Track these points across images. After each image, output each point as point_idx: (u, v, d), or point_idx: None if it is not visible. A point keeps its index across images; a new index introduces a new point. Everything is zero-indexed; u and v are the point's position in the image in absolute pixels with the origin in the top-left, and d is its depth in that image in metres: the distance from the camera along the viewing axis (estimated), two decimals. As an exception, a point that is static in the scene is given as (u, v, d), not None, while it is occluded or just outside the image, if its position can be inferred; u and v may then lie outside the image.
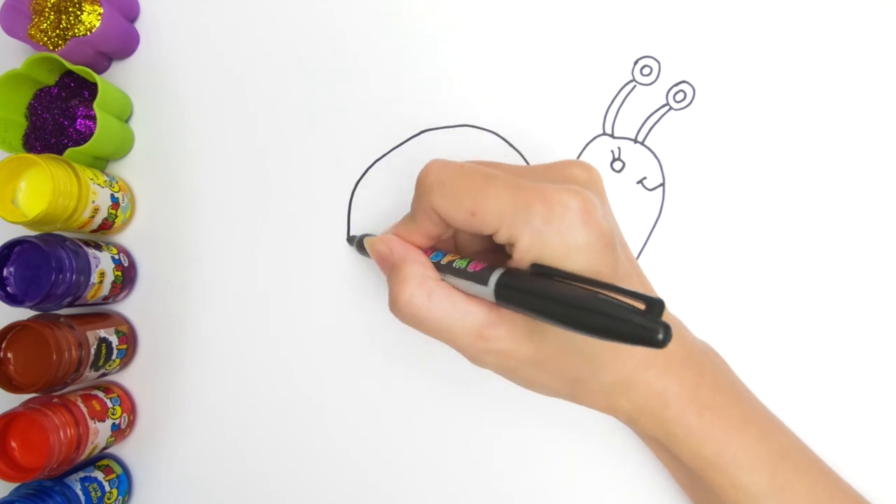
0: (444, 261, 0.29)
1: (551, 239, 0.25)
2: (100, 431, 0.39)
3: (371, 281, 0.41)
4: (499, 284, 0.26)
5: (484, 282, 0.26)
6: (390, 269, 0.30)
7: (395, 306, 0.28)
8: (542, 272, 0.25)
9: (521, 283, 0.25)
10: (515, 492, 0.39)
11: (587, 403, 0.30)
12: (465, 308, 0.27)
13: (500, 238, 0.26)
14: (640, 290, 0.26)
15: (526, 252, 0.25)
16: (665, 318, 0.28)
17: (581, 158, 0.40)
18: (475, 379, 0.39)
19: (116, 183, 0.42)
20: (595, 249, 0.25)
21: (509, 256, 0.27)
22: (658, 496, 0.37)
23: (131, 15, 0.45)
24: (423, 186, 0.28)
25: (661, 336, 0.20)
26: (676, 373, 0.29)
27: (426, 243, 0.31)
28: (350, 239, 0.40)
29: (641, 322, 0.21)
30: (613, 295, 0.22)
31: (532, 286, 0.24)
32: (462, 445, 0.39)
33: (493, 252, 0.31)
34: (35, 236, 0.37)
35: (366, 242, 0.33)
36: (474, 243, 0.32)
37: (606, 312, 0.21)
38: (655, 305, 0.21)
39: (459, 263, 0.28)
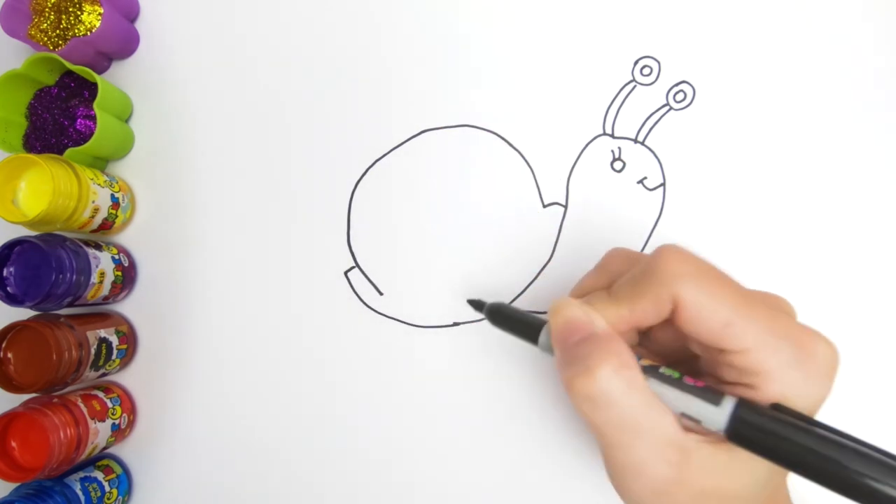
0: (643, 362, 0.25)
1: (808, 381, 0.23)
2: (100, 431, 0.39)
3: (371, 279, 0.41)
4: (739, 419, 0.23)
5: (714, 403, 0.23)
6: (583, 342, 0.25)
7: (588, 379, 0.24)
8: (785, 412, 0.23)
9: (765, 422, 0.22)
10: (516, 492, 0.39)
11: None
12: (662, 416, 0.24)
13: (743, 360, 0.23)
14: None
15: (778, 384, 0.23)
16: None
17: (581, 159, 0.40)
18: (476, 380, 0.39)
19: (116, 183, 0.42)
20: (823, 405, 0.24)
21: (704, 376, 0.25)
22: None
23: (131, 15, 0.45)
24: (670, 274, 0.24)
25: None
26: None
27: (625, 336, 0.26)
28: (476, 304, 0.35)
29: None
30: (873, 453, 0.21)
31: (782, 429, 0.22)
32: (462, 445, 0.39)
33: (680, 363, 0.28)
34: (35, 236, 0.37)
35: (555, 304, 0.27)
36: (671, 349, 0.28)
37: (877, 477, 0.20)
38: None
39: (669, 372, 0.25)
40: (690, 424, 0.24)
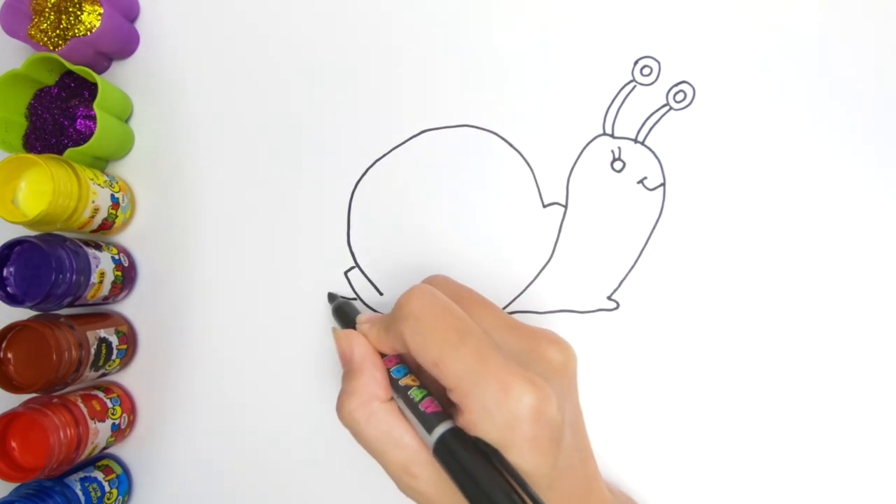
0: (402, 381, 0.30)
1: (496, 423, 0.25)
2: (100, 431, 0.39)
3: (371, 279, 0.41)
4: (440, 441, 0.26)
5: (429, 428, 0.27)
6: (346, 371, 0.31)
7: (338, 413, 0.30)
8: (482, 447, 0.25)
9: (459, 451, 0.26)
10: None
11: None
12: (400, 439, 0.28)
13: (452, 397, 0.27)
14: (580, 487, 0.29)
15: (471, 425, 0.26)
16: (591, 498, 0.30)
17: (581, 159, 0.40)
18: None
19: (116, 183, 0.42)
20: (537, 444, 0.25)
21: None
22: (659, 498, 0.37)
23: (131, 15, 0.45)
24: (399, 313, 0.28)
25: None
26: None
27: (390, 353, 0.31)
28: (330, 297, 0.40)
29: None
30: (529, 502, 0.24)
31: (467, 460, 0.25)
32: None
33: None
34: (35, 236, 0.37)
35: (333, 333, 0.33)
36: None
37: None
38: None
39: (415, 394, 0.29)
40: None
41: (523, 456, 0.25)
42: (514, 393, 0.25)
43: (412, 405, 0.28)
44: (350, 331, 0.32)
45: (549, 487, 0.26)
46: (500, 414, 0.25)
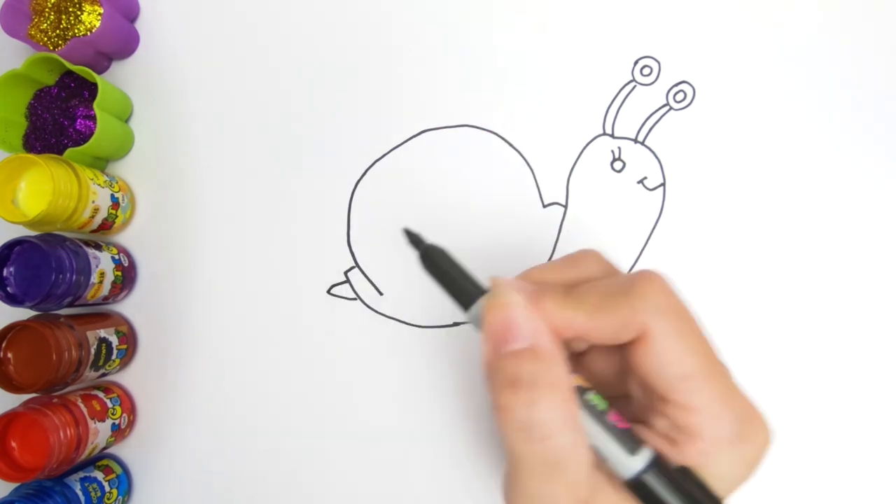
0: (574, 381, 0.22)
1: (734, 463, 0.21)
2: (100, 431, 0.39)
3: (371, 279, 0.41)
4: (647, 475, 0.21)
5: (630, 451, 0.21)
6: (523, 355, 0.22)
7: (527, 408, 0.21)
8: (691, 478, 0.21)
9: (670, 485, 0.21)
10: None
11: None
12: (585, 455, 0.21)
13: (682, 417, 0.21)
14: None
15: (703, 455, 0.21)
16: None
17: (581, 159, 0.40)
18: (476, 379, 0.39)
19: (116, 183, 0.42)
20: (740, 484, 0.22)
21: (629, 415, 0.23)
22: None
23: (131, 15, 0.45)
24: (648, 300, 0.22)
25: None
26: None
27: (566, 340, 0.23)
28: (412, 236, 0.27)
29: None
30: None
31: (680, 495, 0.21)
32: (462, 445, 0.39)
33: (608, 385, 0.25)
34: (35, 236, 0.37)
35: (497, 295, 0.23)
36: (606, 370, 0.26)
37: None
38: None
39: (596, 401, 0.22)
40: (598, 459, 0.22)
41: (722, 489, 0.22)
42: (759, 436, 0.22)
43: (597, 415, 0.22)
44: (526, 298, 0.23)
45: None
46: (735, 453, 0.21)
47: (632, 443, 0.21)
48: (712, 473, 0.21)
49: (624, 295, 0.22)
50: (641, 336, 0.22)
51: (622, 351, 0.23)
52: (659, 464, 0.21)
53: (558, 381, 0.21)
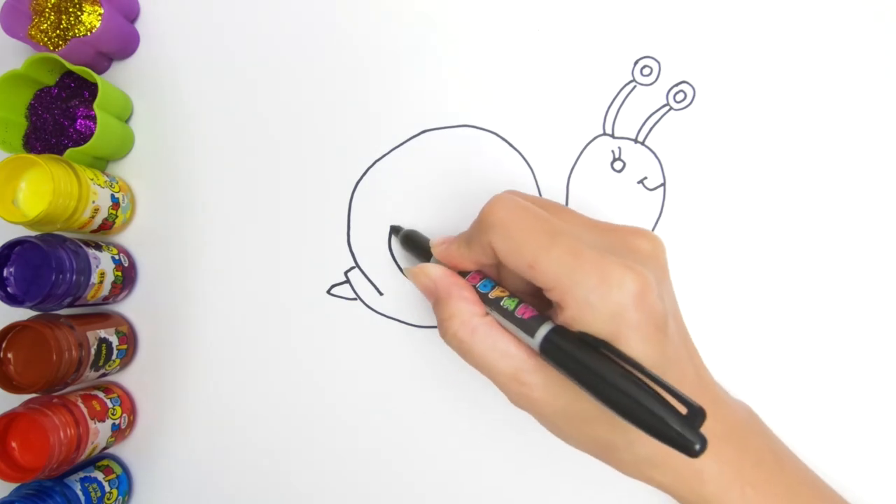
0: (491, 294, 0.30)
1: (601, 314, 0.25)
2: (100, 431, 0.39)
3: (371, 279, 0.41)
4: (546, 340, 0.26)
5: (531, 332, 0.27)
6: (435, 301, 0.31)
7: (443, 338, 0.30)
8: (589, 340, 0.25)
9: (567, 346, 0.26)
10: (517, 491, 0.39)
11: (619, 470, 0.30)
12: (506, 349, 0.28)
13: (551, 296, 0.27)
14: (691, 378, 0.28)
15: (573, 321, 0.26)
16: (703, 389, 0.29)
17: (581, 159, 0.40)
18: (476, 379, 0.39)
19: (116, 183, 0.42)
20: (645, 332, 0.25)
21: (554, 306, 0.27)
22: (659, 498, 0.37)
23: (131, 15, 0.45)
24: (485, 223, 0.28)
25: (697, 447, 0.21)
26: (716, 451, 0.29)
27: (473, 269, 0.31)
28: (394, 229, 0.40)
29: (679, 429, 0.21)
30: (655, 387, 0.23)
31: (578, 353, 0.25)
32: (462, 445, 0.39)
33: (539, 294, 0.31)
34: (35, 236, 0.37)
35: (407, 273, 0.33)
36: (521, 280, 0.32)
37: (646, 406, 0.22)
38: (697, 414, 0.21)
39: (508, 303, 0.29)
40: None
41: (631, 345, 0.25)
42: (614, 282, 0.25)
43: (508, 314, 0.28)
44: (422, 264, 0.32)
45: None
46: (603, 305, 0.25)
47: (534, 325, 0.27)
48: (600, 330, 0.25)
49: (476, 225, 0.29)
50: (495, 250, 0.28)
51: None
52: (558, 333, 0.26)
53: (455, 313, 0.29)
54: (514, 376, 0.28)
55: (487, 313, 0.30)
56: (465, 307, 0.29)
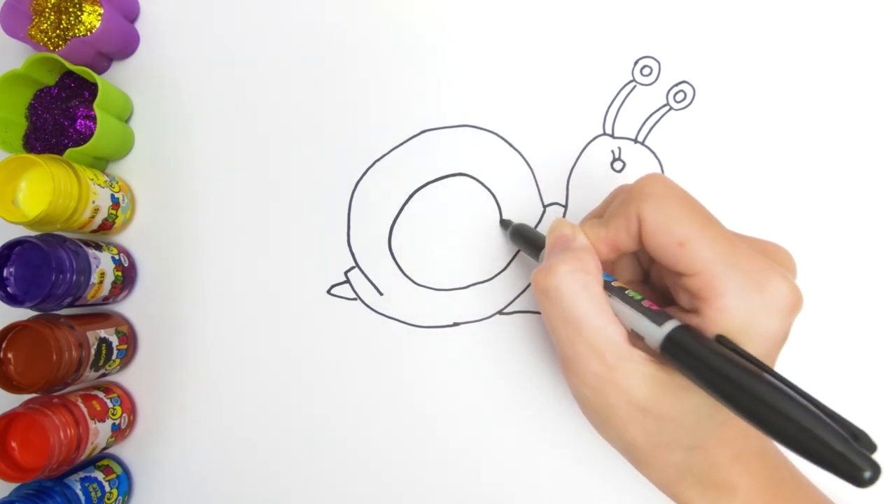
0: (615, 283, 0.27)
1: (754, 314, 0.23)
2: (100, 431, 0.39)
3: (371, 279, 0.41)
4: (673, 336, 0.24)
5: (658, 323, 0.24)
6: (562, 249, 0.28)
7: (546, 275, 0.27)
8: (726, 343, 0.23)
9: (699, 347, 0.23)
10: (517, 491, 0.39)
11: (650, 470, 0.28)
12: (608, 322, 0.26)
13: (694, 284, 0.24)
14: None
15: (722, 313, 0.23)
16: None
17: (581, 159, 0.40)
18: (476, 380, 0.39)
19: (116, 183, 0.42)
20: (774, 343, 0.23)
21: (670, 305, 0.26)
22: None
23: (131, 15, 0.45)
24: (639, 193, 0.26)
25: (867, 475, 0.18)
26: (749, 465, 0.27)
27: (605, 255, 0.29)
28: (504, 223, 0.39)
29: (850, 455, 0.19)
30: (808, 404, 0.20)
31: (704, 351, 0.22)
32: (462, 445, 0.39)
33: (651, 292, 0.29)
34: (35, 236, 0.37)
35: (554, 223, 0.30)
36: (631, 273, 0.31)
37: (808, 427, 0.19)
38: (862, 437, 0.19)
39: (633, 294, 0.27)
40: (640, 344, 0.26)
41: (765, 355, 0.23)
42: (773, 284, 0.23)
43: (634, 303, 0.26)
44: (574, 223, 0.30)
45: None
46: (757, 303, 0.23)
47: (660, 317, 0.25)
48: (738, 330, 0.23)
49: (623, 200, 0.27)
50: (639, 222, 0.26)
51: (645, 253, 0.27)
52: (687, 330, 0.24)
53: (578, 258, 0.27)
54: (600, 352, 0.25)
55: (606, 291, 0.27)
56: (591, 265, 0.27)
